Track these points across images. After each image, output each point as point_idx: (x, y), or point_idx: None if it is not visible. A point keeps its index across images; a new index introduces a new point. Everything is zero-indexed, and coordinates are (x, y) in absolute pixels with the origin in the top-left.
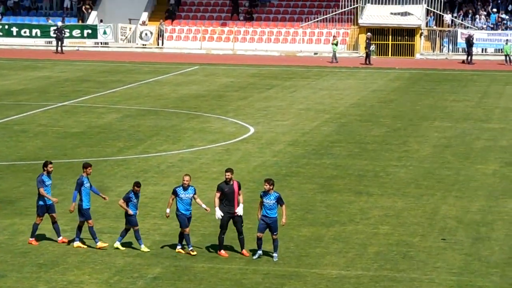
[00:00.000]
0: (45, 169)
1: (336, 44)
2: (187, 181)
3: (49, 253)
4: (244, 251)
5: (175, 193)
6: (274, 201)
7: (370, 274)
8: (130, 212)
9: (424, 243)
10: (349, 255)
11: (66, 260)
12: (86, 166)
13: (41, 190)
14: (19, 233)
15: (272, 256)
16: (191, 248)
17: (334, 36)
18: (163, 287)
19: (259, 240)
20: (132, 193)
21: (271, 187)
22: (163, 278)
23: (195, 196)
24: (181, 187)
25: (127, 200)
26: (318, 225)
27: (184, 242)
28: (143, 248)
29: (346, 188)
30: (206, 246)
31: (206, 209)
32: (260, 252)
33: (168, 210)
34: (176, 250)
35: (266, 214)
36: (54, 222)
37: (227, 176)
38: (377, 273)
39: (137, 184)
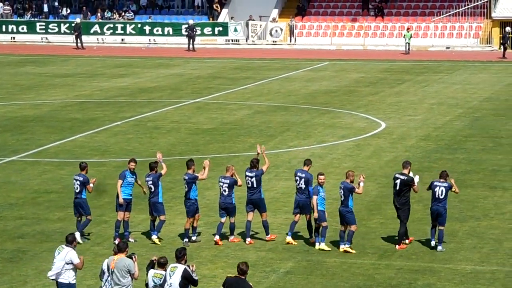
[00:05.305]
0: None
1: (409, 37)
2: None
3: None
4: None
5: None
6: None
7: (505, 270)
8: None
9: None
10: (484, 250)
11: (200, 254)
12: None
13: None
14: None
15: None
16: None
17: (407, 28)
18: (295, 282)
19: None
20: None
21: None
22: (295, 272)
23: None
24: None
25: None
26: (452, 220)
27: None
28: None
29: (480, 183)
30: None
31: None
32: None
33: None
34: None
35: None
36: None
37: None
38: None
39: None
